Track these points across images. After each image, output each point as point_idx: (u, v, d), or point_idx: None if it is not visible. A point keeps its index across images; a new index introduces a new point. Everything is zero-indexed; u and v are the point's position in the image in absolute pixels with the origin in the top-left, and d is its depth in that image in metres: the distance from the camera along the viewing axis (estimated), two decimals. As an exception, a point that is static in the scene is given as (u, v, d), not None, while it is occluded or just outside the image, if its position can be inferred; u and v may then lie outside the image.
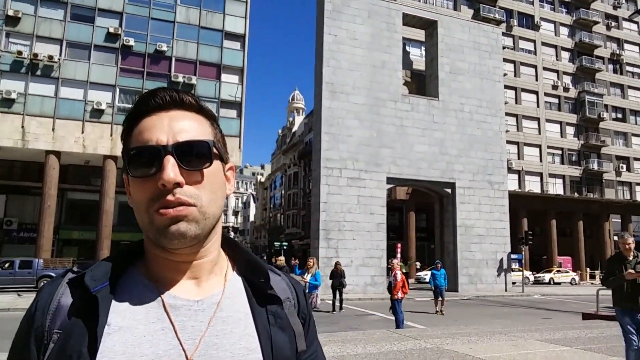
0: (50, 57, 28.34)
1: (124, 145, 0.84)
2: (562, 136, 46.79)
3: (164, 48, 30.94)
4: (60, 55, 29.04)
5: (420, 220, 40.50)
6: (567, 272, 38.86)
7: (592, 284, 37.86)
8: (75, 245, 31.93)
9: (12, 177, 31.26)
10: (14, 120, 27.50)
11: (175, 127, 0.80)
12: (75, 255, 30.05)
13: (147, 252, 0.86)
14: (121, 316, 0.77)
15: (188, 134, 0.80)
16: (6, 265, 21.39)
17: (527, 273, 35.18)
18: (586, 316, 13.41)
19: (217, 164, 0.83)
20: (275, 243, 60.64)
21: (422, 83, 30.07)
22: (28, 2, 29.05)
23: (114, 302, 0.78)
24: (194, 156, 0.79)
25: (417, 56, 35.00)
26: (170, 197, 0.76)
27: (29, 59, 28.10)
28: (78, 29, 29.80)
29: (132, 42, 30.31)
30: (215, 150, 0.82)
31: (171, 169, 0.76)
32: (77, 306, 0.77)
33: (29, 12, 28.87)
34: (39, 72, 28.51)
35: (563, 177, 45.95)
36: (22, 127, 27.56)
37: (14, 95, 27.34)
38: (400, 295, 11.97)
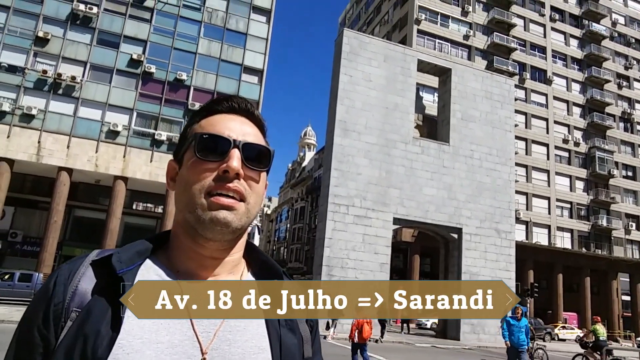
0: (73, 78, 29.22)
1: (188, 132, 0.91)
2: (571, 190, 46.62)
3: (184, 77, 31.80)
4: (83, 76, 29.95)
5: (425, 264, 39.98)
6: (572, 328, 37.82)
7: (598, 343, 36.71)
8: (77, 263, 31.76)
9: (23, 190, 31.59)
10: (31, 135, 28.10)
11: (245, 129, 0.89)
12: (75, 273, 29.86)
13: (173, 241, 0.89)
14: None
15: (253, 139, 0.88)
16: (6, 277, 21.34)
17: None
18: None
19: (266, 173, 0.90)
20: (276, 277, 59.87)
21: (433, 127, 30.43)
22: (58, 25, 30.27)
23: None
24: (256, 158, 0.87)
25: (430, 101, 35.59)
26: (229, 184, 0.82)
27: (53, 78, 28.98)
28: (103, 53, 30.85)
29: (153, 69, 31.23)
30: (271, 159, 0.91)
31: (236, 160, 0.83)
32: (100, 286, 0.79)
33: (58, 35, 30.03)
34: (60, 91, 29.34)
35: (571, 231, 45.45)
36: (39, 142, 28.12)
37: (34, 112, 28.05)
38: (356, 339, 11.18)
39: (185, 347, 0.77)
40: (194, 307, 0.81)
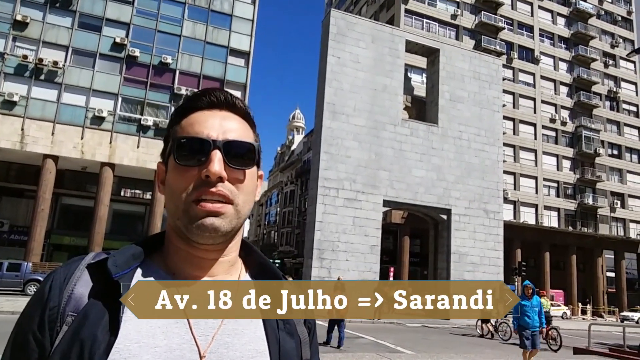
0: (55, 63, 28.56)
1: (170, 134, 0.87)
2: (558, 169, 47.15)
3: (169, 60, 31.26)
4: (65, 61, 29.27)
5: (415, 245, 40.37)
6: (559, 305, 38.65)
7: (583, 318, 37.65)
8: (66, 250, 31.57)
9: (8, 179, 31.13)
10: (13, 123, 27.53)
11: (226, 126, 0.84)
12: (65, 260, 29.66)
13: (168, 244, 0.87)
14: None
15: (236, 135, 0.84)
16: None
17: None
18: (578, 351, 13.31)
19: (254, 168, 0.86)
20: (267, 261, 60.11)
21: (422, 109, 30.40)
22: (37, 8, 29.44)
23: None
24: (239, 156, 0.82)
25: (418, 82, 35.47)
26: (212, 189, 0.78)
27: (34, 63, 28.30)
28: (85, 37, 30.14)
29: (137, 53, 30.63)
30: (257, 154, 0.86)
31: (217, 163, 0.79)
32: (96, 291, 0.77)
33: (37, 18, 29.22)
34: (42, 77, 28.69)
35: (558, 210, 46.12)
36: (22, 129, 27.58)
37: (15, 98, 27.44)
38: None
39: (183, 350, 0.76)
40: (194, 307, 0.79)
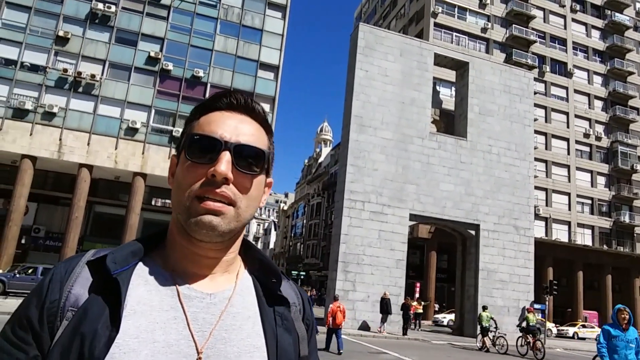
0: (93, 76, 29.72)
1: (186, 129, 0.89)
2: (592, 186, 45.68)
3: (201, 74, 32.07)
4: (102, 74, 30.43)
5: (442, 260, 39.69)
6: (592, 327, 37.15)
7: (619, 342, 35.96)
8: (98, 258, 32.36)
9: (45, 186, 32.34)
10: (52, 133, 28.70)
11: (241, 129, 0.85)
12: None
13: (170, 240, 0.88)
14: (136, 301, 0.79)
15: (249, 139, 0.85)
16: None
17: (550, 325, 33.80)
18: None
19: (262, 174, 0.88)
20: (293, 272, 60.26)
21: (450, 122, 30.10)
22: (78, 24, 30.79)
23: (130, 287, 0.79)
24: (248, 160, 0.84)
25: (447, 96, 35.20)
26: (216, 189, 0.80)
27: (73, 76, 29.52)
28: (121, 51, 31.28)
29: (170, 67, 31.56)
30: (267, 161, 0.88)
31: (225, 164, 0.80)
32: (96, 287, 0.79)
33: (78, 34, 30.54)
34: (80, 89, 29.87)
35: (592, 227, 44.57)
36: (60, 139, 28.70)
37: (55, 110, 28.64)
38: (331, 325, 13.52)
39: (181, 346, 0.77)
40: (192, 303, 0.82)
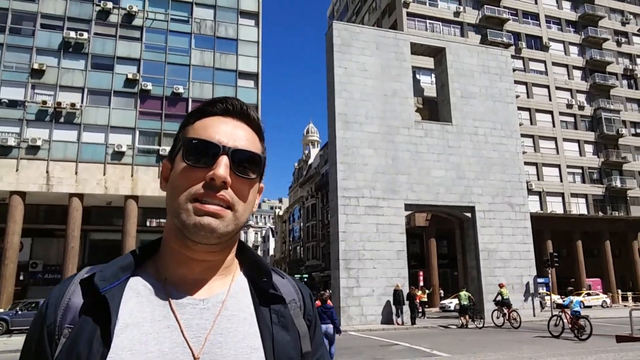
0: (73, 105, 29.55)
1: (180, 134, 0.90)
2: (581, 155, 46.13)
3: (181, 90, 31.99)
4: (82, 102, 30.26)
5: (442, 246, 39.88)
6: (597, 294, 37.51)
7: (624, 306, 36.41)
8: (99, 286, 32.15)
9: (38, 220, 32.08)
10: (39, 166, 28.49)
11: (237, 134, 0.87)
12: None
13: (164, 247, 0.89)
14: (128, 314, 0.79)
15: (245, 144, 0.87)
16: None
17: (556, 297, 34.13)
18: (620, 339, 12.88)
19: (257, 179, 0.89)
20: (296, 276, 60.20)
21: (434, 109, 30.28)
22: (52, 55, 30.59)
23: (122, 300, 0.80)
24: (245, 164, 0.85)
25: (428, 83, 35.37)
26: (214, 192, 0.81)
27: (53, 107, 29.35)
28: (98, 77, 31.13)
29: (149, 87, 31.45)
30: (262, 167, 0.90)
31: (224, 168, 0.82)
32: (87, 305, 0.80)
33: (53, 65, 30.35)
34: (62, 120, 29.69)
35: (585, 196, 45.01)
36: (47, 172, 28.50)
37: (39, 142, 28.44)
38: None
39: (176, 354, 0.77)
40: (183, 312, 0.83)
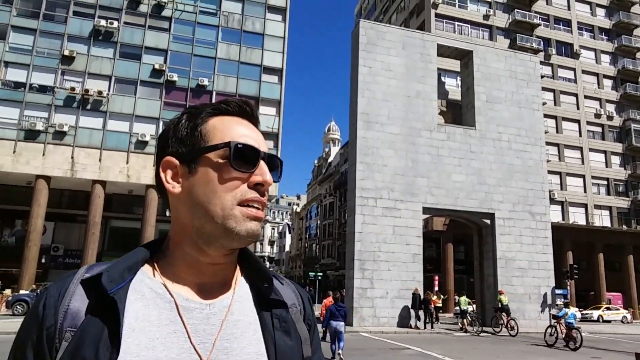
0: (100, 93, 30.10)
1: (199, 129, 0.86)
2: (607, 166, 44.97)
3: (206, 82, 32.29)
4: (109, 90, 30.81)
5: (459, 252, 39.41)
6: (617, 309, 36.60)
7: (646, 322, 35.44)
8: (117, 272, 32.82)
9: (61, 205, 32.84)
10: (64, 152, 29.13)
11: (260, 138, 0.89)
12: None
13: (173, 252, 0.86)
14: (134, 317, 0.77)
15: (266, 149, 0.88)
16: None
17: (574, 309, 33.40)
18: None
19: None
20: (310, 273, 60.31)
21: (458, 112, 29.88)
22: (82, 42, 31.22)
23: (127, 303, 0.78)
24: (274, 169, 0.88)
25: (453, 86, 34.94)
26: (260, 197, 0.83)
27: (81, 94, 29.94)
28: (126, 66, 31.64)
29: (175, 77, 31.83)
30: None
31: (268, 173, 0.84)
32: (92, 306, 0.77)
33: (83, 52, 30.96)
34: (89, 107, 30.29)
35: (610, 208, 43.88)
36: (72, 157, 29.13)
37: (65, 128, 29.07)
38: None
39: (184, 359, 0.77)
40: (190, 317, 0.81)
